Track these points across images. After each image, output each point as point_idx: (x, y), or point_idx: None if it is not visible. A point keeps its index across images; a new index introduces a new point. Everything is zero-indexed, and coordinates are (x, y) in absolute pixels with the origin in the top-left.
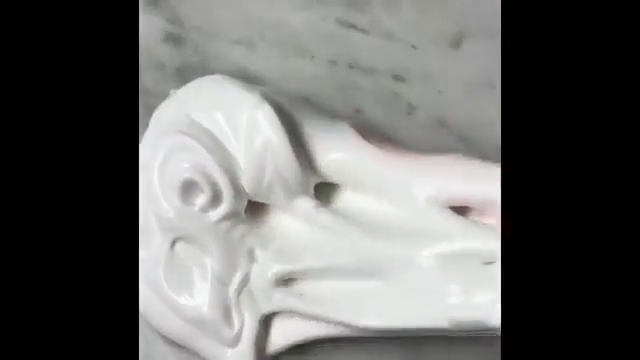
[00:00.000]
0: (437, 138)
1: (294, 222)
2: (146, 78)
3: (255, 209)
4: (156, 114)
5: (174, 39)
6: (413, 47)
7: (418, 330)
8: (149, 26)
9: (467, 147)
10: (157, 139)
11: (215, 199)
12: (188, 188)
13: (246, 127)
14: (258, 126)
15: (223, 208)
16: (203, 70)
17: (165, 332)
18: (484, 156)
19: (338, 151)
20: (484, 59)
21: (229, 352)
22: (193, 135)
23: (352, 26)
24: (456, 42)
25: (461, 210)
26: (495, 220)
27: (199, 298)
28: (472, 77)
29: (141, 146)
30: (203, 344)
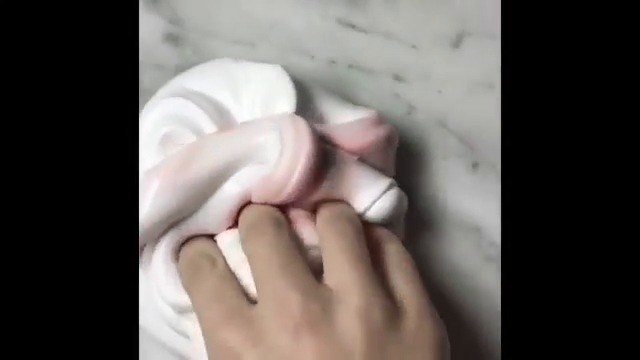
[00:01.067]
0: (437, 138)
1: None
2: (146, 78)
3: None
4: (150, 102)
5: (174, 39)
6: (413, 47)
7: None
8: (149, 26)
9: (467, 147)
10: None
11: None
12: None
13: (263, 93)
14: (276, 95)
15: None
16: None
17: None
18: (484, 156)
19: None
20: (484, 59)
21: None
22: (185, 95)
23: (352, 26)
24: (456, 42)
25: None
26: None
27: None
28: (472, 77)
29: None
30: None
